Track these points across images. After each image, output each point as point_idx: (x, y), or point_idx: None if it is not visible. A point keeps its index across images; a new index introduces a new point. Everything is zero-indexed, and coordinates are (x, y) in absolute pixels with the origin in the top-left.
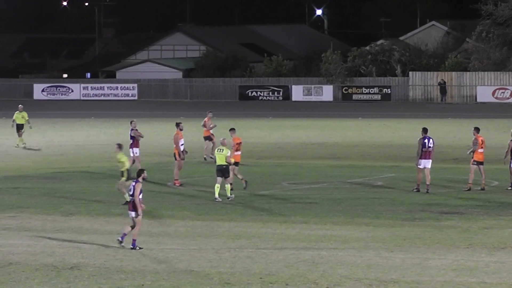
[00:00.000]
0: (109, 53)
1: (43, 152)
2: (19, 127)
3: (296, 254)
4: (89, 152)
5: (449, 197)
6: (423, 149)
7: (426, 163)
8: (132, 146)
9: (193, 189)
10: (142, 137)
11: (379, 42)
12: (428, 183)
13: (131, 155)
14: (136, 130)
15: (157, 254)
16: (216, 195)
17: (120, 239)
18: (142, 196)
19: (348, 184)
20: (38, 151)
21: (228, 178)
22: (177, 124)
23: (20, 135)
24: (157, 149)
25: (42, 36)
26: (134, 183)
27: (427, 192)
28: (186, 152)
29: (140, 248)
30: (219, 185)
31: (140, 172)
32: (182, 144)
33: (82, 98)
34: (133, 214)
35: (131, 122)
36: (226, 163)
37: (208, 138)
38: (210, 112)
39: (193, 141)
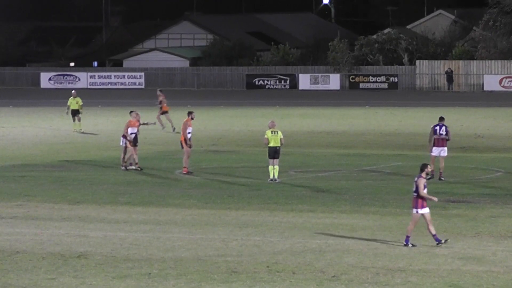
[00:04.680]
0: (116, 42)
1: (50, 140)
2: (74, 113)
3: (303, 243)
4: (96, 140)
5: (456, 186)
6: (434, 136)
7: (440, 151)
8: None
9: (201, 178)
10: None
11: (386, 31)
12: (441, 170)
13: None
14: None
15: (164, 242)
16: (271, 176)
17: (405, 243)
18: (427, 191)
19: (355, 172)
20: (96, 135)
21: (277, 159)
22: (189, 113)
23: (74, 120)
24: (164, 138)
25: (49, 24)
26: (416, 178)
27: (440, 179)
28: (191, 145)
29: (413, 245)
30: (273, 167)
31: (424, 166)
32: (189, 133)
33: (89, 86)
34: (414, 211)
35: (132, 112)
36: (280, 145)
37: None
38: None
39: (200, 129)
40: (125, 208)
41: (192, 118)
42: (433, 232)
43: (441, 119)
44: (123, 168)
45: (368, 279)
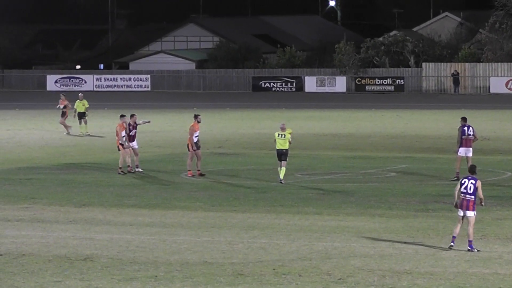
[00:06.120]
0: (122, 44)
1: (56, 143)
2: (81, 115)
3: (309, 245)
4: (102, 143)
5: None
6: (463, 137)
7: (467, 152)
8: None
9: (206, 180)
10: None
11: (392, 33)
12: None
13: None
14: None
15: (170, 245)
16: (281, 176)
17: (469, 248)
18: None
19: (361, 175)
20: (102, 137)
21: (285, 161)
22: (195, 116)
23: (80, 123)
24: (170, 140)
25: (55, 27)
26: (474, 181)
27: None
28: (199, 146)
29: (478, 251)
30: (280, 168)
31: (475, 168)
32: (196, 136)
33: (95, 89)
34: (469, 213)
35: (133, 116)
36: (286, 148)
37: None
38: None
39: (206, 132)
40: (131, 210)
41: (198, 122)
42: (471, 238)
43: (465, 119)
44: (132, 170)
45: (374, 282)
